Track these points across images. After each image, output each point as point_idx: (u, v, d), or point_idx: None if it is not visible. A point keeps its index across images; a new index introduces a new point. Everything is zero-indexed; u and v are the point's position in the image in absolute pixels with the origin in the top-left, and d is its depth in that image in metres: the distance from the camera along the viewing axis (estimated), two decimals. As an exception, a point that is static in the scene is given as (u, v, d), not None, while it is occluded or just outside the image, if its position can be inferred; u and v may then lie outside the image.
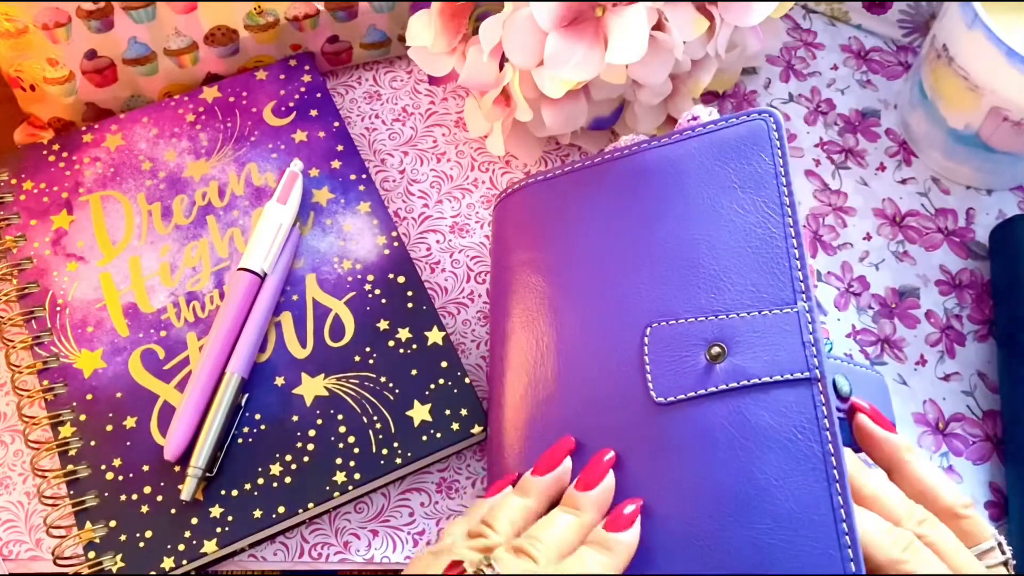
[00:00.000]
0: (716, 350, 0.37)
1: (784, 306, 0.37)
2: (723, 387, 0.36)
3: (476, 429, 0.44)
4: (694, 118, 0.44)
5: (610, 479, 0.37)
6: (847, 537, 0.33)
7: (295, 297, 0.48)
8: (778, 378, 0.35)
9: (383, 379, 0.46)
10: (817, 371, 0.35)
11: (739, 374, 0.36)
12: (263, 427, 0.45)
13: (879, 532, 0.34)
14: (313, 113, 0.54)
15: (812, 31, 0.60)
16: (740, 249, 0.38)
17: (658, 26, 0.46)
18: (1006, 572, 0.36)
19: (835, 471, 0.34)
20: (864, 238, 0.53)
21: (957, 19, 0.48)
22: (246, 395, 0.45)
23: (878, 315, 0.51)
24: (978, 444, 0.47)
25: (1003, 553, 0.36)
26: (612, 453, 0.37)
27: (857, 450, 0.38)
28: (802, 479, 0.34)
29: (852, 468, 0.37)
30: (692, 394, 0.37)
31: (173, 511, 0.43)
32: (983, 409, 0.48)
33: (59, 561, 0.42)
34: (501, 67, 0.49)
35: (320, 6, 0.55)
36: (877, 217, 0.54)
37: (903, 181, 0.55)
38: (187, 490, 0.42)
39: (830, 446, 0.34)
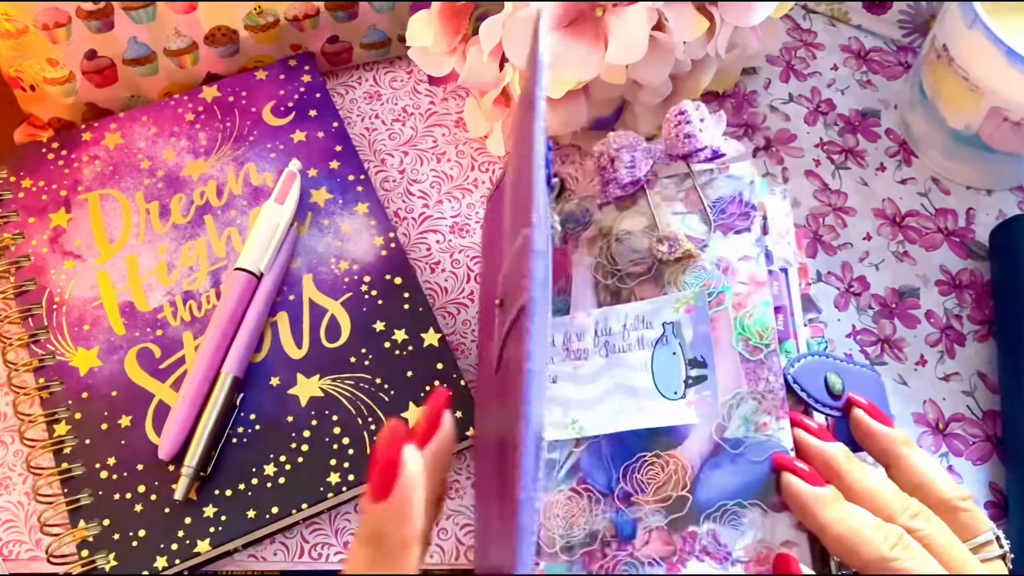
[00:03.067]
0: None
1: None
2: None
3: (472, 431, 0.44)
4: (681, 113, 0.43)
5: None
6: None
7: (292, 297, 0.47)
8: None
9: (378, 380, 0.45)
10: None
11: None
12: (258, 427, 0.44)
13: (868, 528, 0.33)
14: (312, 113, 0.54)
15: (812, 31, 0.60)
16: None
17: (658, 26, 0.46)
18: (1003, 566, 0.35)
19: None
20: (864, 238, 0.53)
21: (957, 19, 0.48)
22: (241, 395, 0.45)
23: (878, 315, 0.51)
24: (978, 444, 0.47)
25: (1001, 547, 0.35)
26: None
27: (856, 449, 0.38)
28: None
29: (846, 464, 0.36)
30: None
31: (167, 510, 0.42)
32: (983, 409, 0.48)
33: (52, 559, 0.41)
34: (501, 67, 0.49)
35: (320, 6, 0.55)
36: (877, 217, 0.54)
37: (903, 181, 0.55)
38: (180, 489, 0.42)
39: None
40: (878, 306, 0.51)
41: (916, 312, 0.51)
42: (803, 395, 0.38)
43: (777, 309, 0.39)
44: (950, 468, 0.46)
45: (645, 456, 0.39)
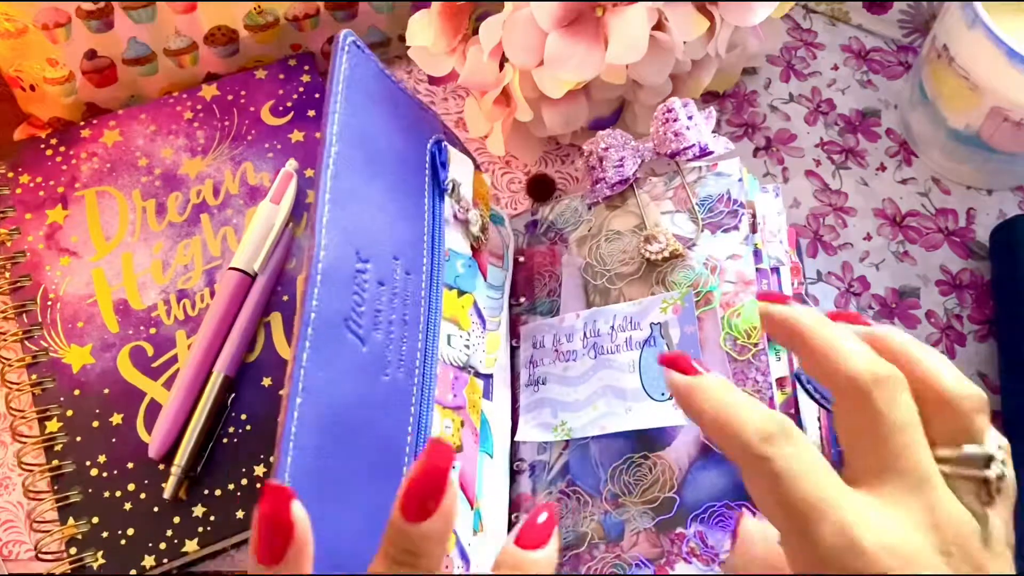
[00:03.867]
0: None
1: None
2: None
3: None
4: (669, 110, 0.43)
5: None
6: None
7: (285, 298, 0.47)
8: None
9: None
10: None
11: None
12: (249, 427, 0.44)
13: (748, 414, 0.27)
14: (311, 113, 0.53)
15: (812, 31, 0.60)
16: None
17: (658, 26, 0.45)
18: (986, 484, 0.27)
19: None
20: (864, 238, 0.53)
21: (958, 19, 0.48)
22: (232, 395, 0.44)
23: (878, 315, 0.51)
24: (978, 445, 0.47)
25: (987, 467, 0.27)
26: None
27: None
28: None
29: (807, 320, 0.29)
30: None
31: (156, 509, 0.42)
32: (983, 410, 0.48)
33: (41, 556, 0.41)
34: (501, 67, 0.49)
35: (320, 6, 0.55)
36: (877, 217, 0.54)
37: (903, 181, 0.55)
38: (169, 488, 0.42)
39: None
40: (878, 306, 0.51)
41: (916, 312, 0.51)
42: (816, 394, 0.37)
43: None
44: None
45: (633, 458, 0.38)
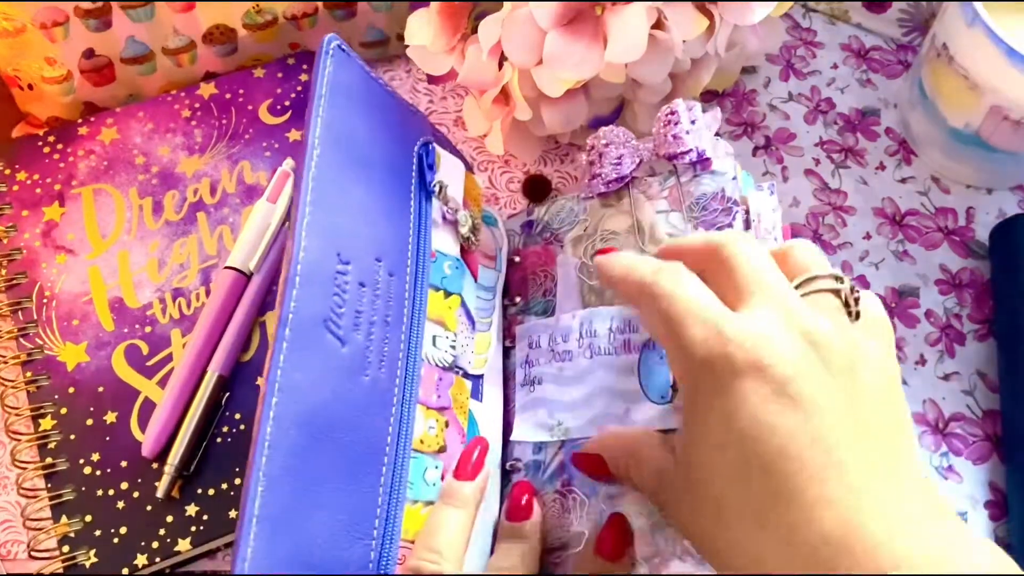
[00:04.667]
0: None
1: None
2: None
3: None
4: (672, 112, 0.43)
5: (487, 467, 0.37)
6: None
7: (281, 297, 0.47)
8: None
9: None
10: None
11: None
12: (242, 427, 0.43)
13: (647, 263, 0.33)
14: (307, 112, 0.54)
15: (812, 30, 0.60)
16: None
17: (657, 25, 0.45)
18: (836, 299, 0.31)
19: None
20: (864, 237, 0.53)
21: (957, 18, 0.48)
22: (227, 394, 0.44)
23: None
24: (978, 444, 0.47)
25: (839, 281, 0.31)
26: (486, 441, 0.38)
27: None
28: None
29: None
30: None
31: (149, 508, 0.42)
32: (983, 409, 0.48)
33: (34, 553, 0.41)
34: (500, 66, 0.49)
35: (319, 5, 0.55)
36: (877, 216, 0.53)
37: (903, 180, 0.55)
38: (163, 487, 0.41)
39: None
40: (878, 305, 0.51)
41: (916, 311, 0.50)
42: None
43: None
44: (950, 468, 0.46)
45: None
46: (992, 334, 0.49)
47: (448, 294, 0.41)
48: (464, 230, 0.43)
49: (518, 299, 0.46)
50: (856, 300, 0.31)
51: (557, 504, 0.39)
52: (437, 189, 0.42)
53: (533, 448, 0.41)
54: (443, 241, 0.42)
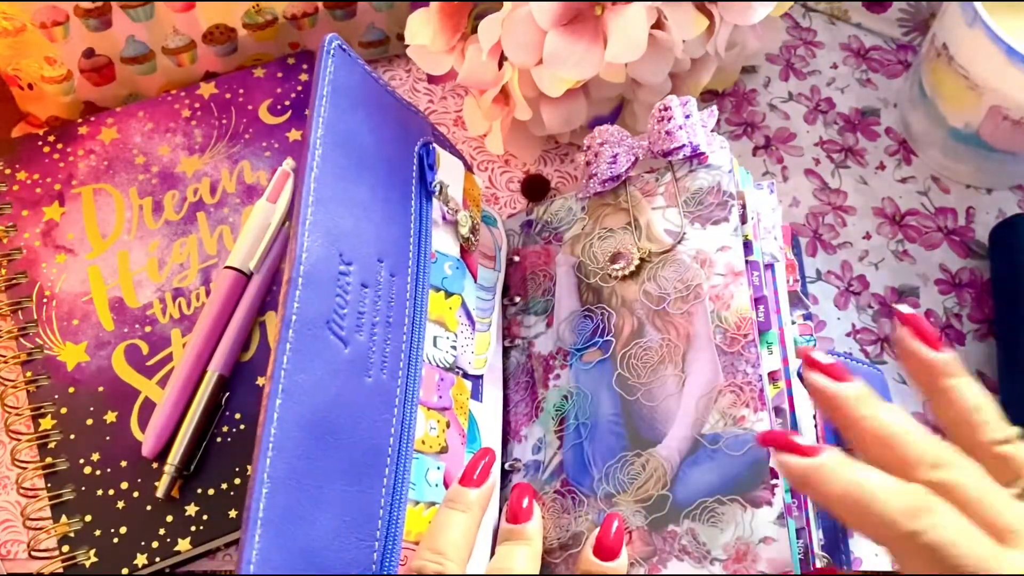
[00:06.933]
0: None
1: None
2: None
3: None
4: (665, 108, 0.43)
5: (494, 476, 0.38)
6: None
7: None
8: None
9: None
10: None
11: None
12: (243, 427, 0.43)
13: (885, 493, 0.28)
14: (309, 113, 0.54)
15: (812, 30, 0.60)
16: None
17: (657, 24, 0.45)
18: None
19: None
20: (864, 237, 0.53)
21: (957, 18, 0.48)
22: (227, 394, 0.44)
23: (878, 314, 0.51)
24: (978, 444, 0.47)
25: None
26: (493, 453, 0.38)
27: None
28: None
29: (859, 408, 0.31)
30: None
31: (149, 508, 0.42)
32: (983, 409, 0.48)
33: (34, 553, 0.41)
34: (500, 66, 0.49)
35: (319, 4, 0.55)
36: (877, 216, 0.53)
37: (903, 180, 0.55)
38: (163, 487, 0.41)
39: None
40: (878, 305, 0.51)
41: (916, 311, 0.50)
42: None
43: (757, 300, 0.39)
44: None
45: (626, 455, 0.38)
46: (992, 334, 0.49)
47: (449, 294, 0.41)
48: (464, 230, 0.43)
49: (518, 299, 0.46)
50: None
51: (556, 504, 0.39)
52: (438, 189, 0.42)
53: (532, 448, 0.41)
54: (443, 241, 0.42)
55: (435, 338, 0.40)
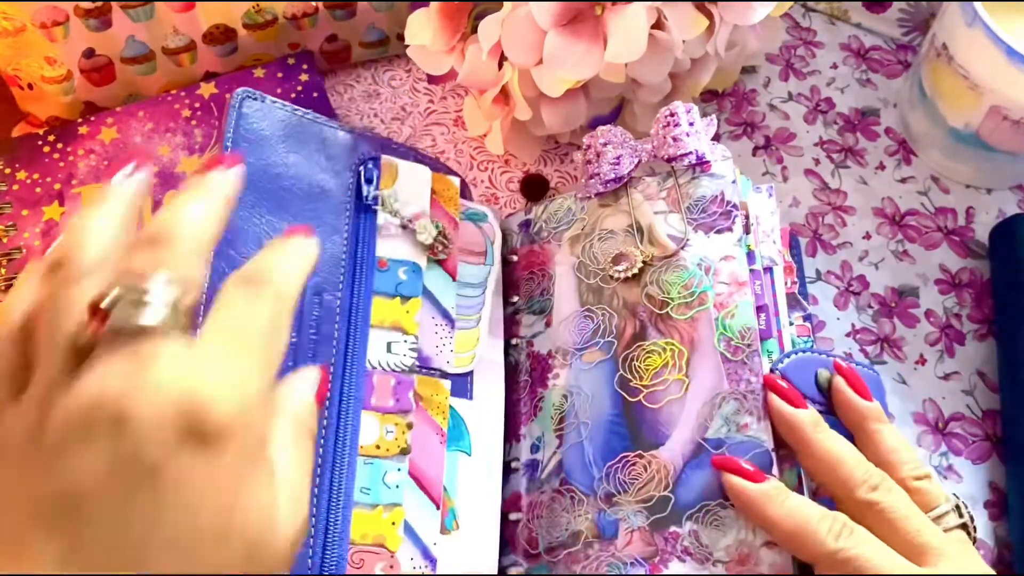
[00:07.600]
0: None
1: None
2: None
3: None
4: (671, 114, 0.43)
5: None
6: None
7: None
8: None
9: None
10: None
11: None
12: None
13: (813, 521, 0.33)
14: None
15: (812, 30, 0.60)
16: None
17: (657, 24, 0.45)
18: (964, 535, 0.35)
19: None
20: (864, 237, 0.53)
21: (957, 18, 0.48)
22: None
23: (878, 314, 0.51)
24: (978, 444, 0.47)
25: (961, 516, 0.35)
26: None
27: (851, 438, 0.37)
28: None
29: (812, 432, 0.36)
30: None
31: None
32: (983, 408, 0.48)
33: None
34: (500, 66, 0.49)
35: (319, 5, 0.55)
36: (876, 216, 0.53)
37: (903, 180, 0.55)
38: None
39: None
40: (877, 305, 0.51)
41: (915, 311, 0.50)
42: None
43: (759, 308, 0.39)
44: (950, 467, 0.46)
45: (627, 456, 0.38)
46: (992, 334, 0.49)
47: (405, 299, 0.42)
48: (423, 237, 0.43)
49: (516, 298, 0.46)
50: (975, 527, 0.36)
51: (555, 503, 0.39)
52: (380, 201, 0.43)
53: (531, 447, 0.41)
54: (394, 248, 0.43)
55: (389, 343, 0.41)
